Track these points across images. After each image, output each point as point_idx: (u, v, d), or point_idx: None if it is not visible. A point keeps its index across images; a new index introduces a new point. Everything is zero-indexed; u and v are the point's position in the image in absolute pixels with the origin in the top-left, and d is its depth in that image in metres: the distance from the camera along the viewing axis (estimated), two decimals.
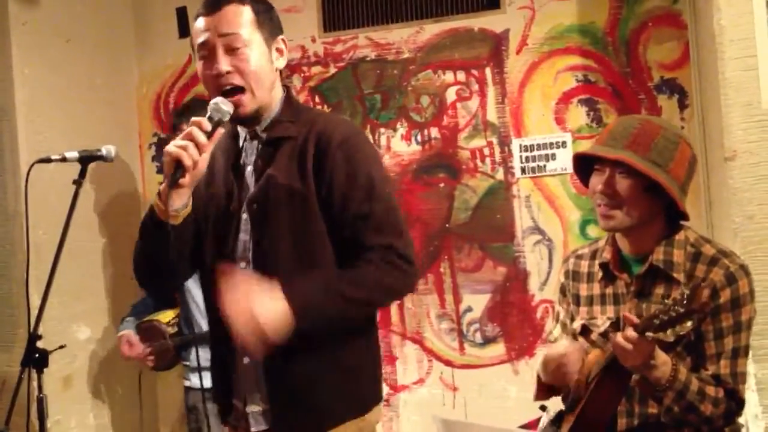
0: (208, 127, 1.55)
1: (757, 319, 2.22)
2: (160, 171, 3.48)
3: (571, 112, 3.02)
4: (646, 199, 1.72)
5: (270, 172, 1.66)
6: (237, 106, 1.61)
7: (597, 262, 1.88)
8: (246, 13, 1.62)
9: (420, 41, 3.18)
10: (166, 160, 1.54)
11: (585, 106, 3.00)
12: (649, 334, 1.53)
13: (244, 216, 1.69)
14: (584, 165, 1.86)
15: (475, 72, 3.12)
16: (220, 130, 1.59)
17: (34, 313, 1.98)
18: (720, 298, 1.68)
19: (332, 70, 3.28)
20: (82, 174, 2.00)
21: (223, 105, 1.58)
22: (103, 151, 2.04)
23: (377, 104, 3.23)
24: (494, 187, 3.09)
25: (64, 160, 1.98)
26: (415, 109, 3.19)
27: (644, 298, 1.76)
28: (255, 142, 1.73)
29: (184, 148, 1.51)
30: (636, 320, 1.57)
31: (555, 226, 3.02)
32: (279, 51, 1.71)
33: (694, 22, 2.81)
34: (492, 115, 3.10)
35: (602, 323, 1.81)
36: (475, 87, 3.12)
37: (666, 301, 1.54)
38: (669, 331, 1.50)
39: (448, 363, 3.13)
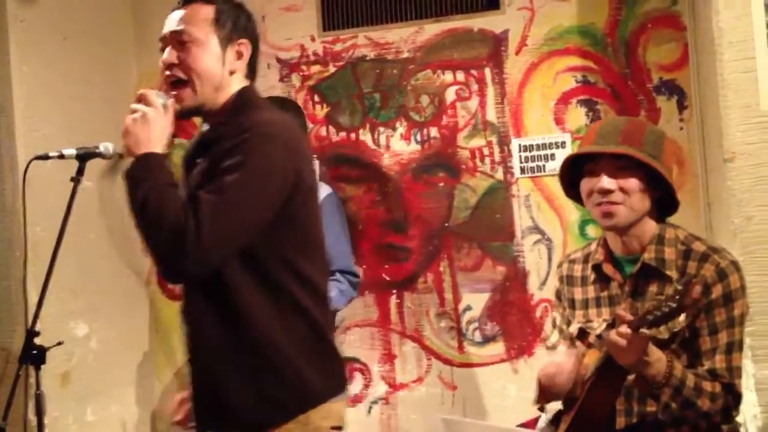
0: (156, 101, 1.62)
1: (756, 320, 2.24)
2: None
3: (570, 113, 3.02)
4: (644, 195, 1.75)
5: (194, 172, 1.68)
6: (177, 100, 1.66)
7: (590, 264, 1.89)
8: (206, 12, 1.68)
9: (419, 41, 3.18)
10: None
11: (584, 106, 3.00)
12: (643, 330, 1.53)
13: None
14: (570, 173, 1.87)
15: (474, 72, 3.12)
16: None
17: (32, 310, 1.97)
18: (712, 294, 1.69)
19: (331, 69, 3.27)
20: (80, 171, 1.99)
21: (158, 97, 1.64)
22: (101, 148, 2.03)
23: (377, 103, 3.23)
24: (494, 186, 3.09)
25: (62, 157, 1.98)
26: (415, 108, 3.19)
27: (639, 298, 1.77)
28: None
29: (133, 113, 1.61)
30: (629, 317, 1.58)
31: (554, 226, 3.03)
32: (237, 54, 1.71)
33: (693, 24, 2.82)
34: (491, 115, 3.10)
35: (599, 326, 1.82)
36: (475, 87, 3.12)
37: (658, 297, 1.56)
38: (662, 327, 1.51)
39: (447, 362, 3.13)
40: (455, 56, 3.13)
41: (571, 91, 3.02)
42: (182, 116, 1.71)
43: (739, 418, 1.82)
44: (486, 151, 3.11)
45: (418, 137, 3.18)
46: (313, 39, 3.28)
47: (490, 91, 3.10)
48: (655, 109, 2.92)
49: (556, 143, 3.02)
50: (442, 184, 3.15)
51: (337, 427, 1.69)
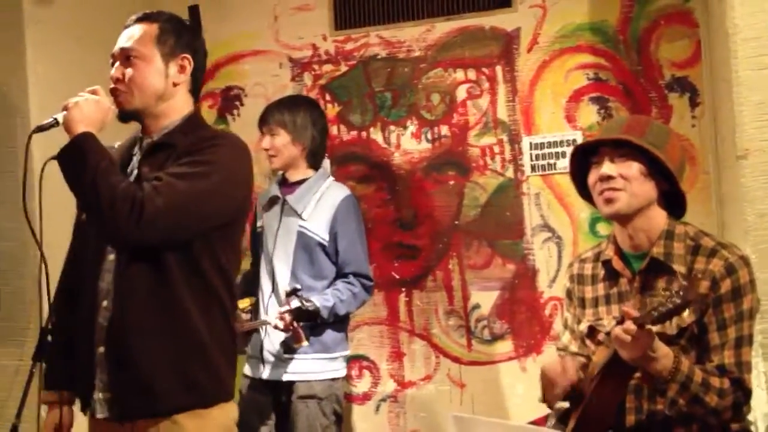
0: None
1: (767, 317, 2.22)
2: None
3: (581, 110, 3.01)
4: (647, 182, 1.75)
5: (142, 173, 1.77)
6: (117, 104, 1.80)
7: (600, 262, 1.89)
8: (149, 30, 1.81)
9: (431, 39, 3.18)
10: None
11: (596, 104, 3.00)
12: (648, 326, 1.53)
13: None
14: (581, 174, 1.88)
15: (485, 70, 3.12)
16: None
17: (46, 308, 1.99)
18: (721, 289, 1.69)
19: (343, 68, 3.28)
20: None
21: (105, 96, 1.80)
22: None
23: (388, 102, 3.23)
24: (504, 184, 3.09)
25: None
26: (426, 106, 3.19)
27: (648, 293, 1.77)
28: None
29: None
30: (635, 313, 1.58)
31: (564, 224, 3.02)
32: (180, 67, 1.83)
33: (706, 21, 2.80)
34: (502, 113, 3.10)
35: (608, 323, 1.82)
36: (486, 85, 3.12)
37: (664, 292, 1.56)
38: (669, 323, 1.51)
39: (455, 360, 3.14)
40: (467, 54, 3.14)
41: (582, 89, 3.01)
42: (122, 118, 1.83)
43: (750, 416, 1.81)
44: (497, 149, 3.10)
45: (429, 135, 3.18)
46: (324, 38, 3.30)
47: (501, 89, 3.10)
48: (667, 107, 2.91)
49: (567, 141, 3.01)
50: (452, 183, 3.15)
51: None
